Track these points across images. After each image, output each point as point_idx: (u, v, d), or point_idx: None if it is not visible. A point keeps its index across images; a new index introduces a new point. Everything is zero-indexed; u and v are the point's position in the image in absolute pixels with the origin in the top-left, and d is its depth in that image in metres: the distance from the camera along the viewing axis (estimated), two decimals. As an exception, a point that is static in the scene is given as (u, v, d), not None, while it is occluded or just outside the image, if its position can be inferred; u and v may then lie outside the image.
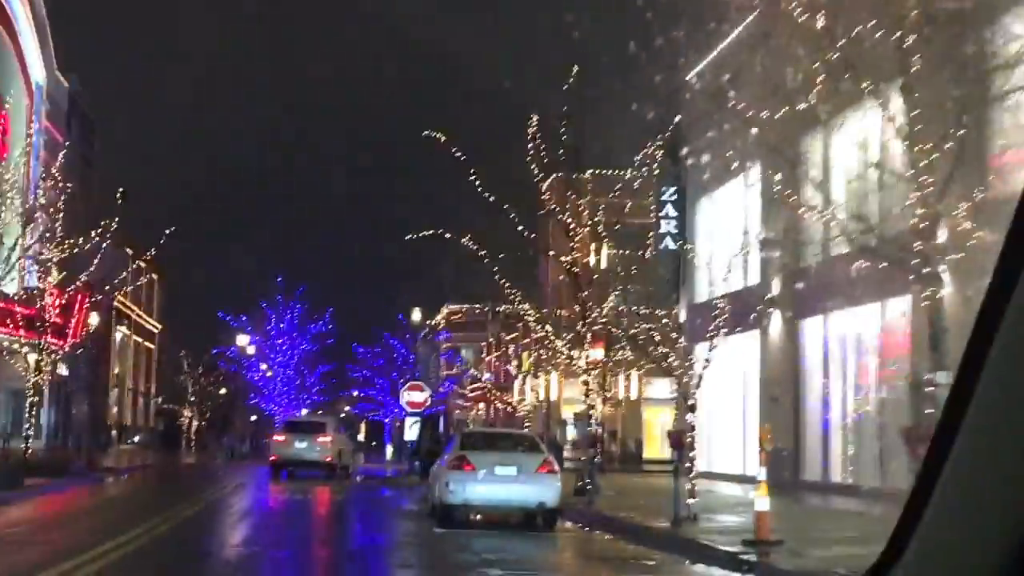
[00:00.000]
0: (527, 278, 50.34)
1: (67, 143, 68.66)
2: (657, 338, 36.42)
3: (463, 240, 32.82)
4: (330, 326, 56.55)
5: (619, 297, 35.17)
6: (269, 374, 57.17)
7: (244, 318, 54.68)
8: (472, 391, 65.53)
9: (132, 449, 69.47)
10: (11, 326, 38.91)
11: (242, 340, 53.32)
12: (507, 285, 34.44)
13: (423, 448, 28.44)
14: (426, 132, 31.54)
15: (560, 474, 22.65)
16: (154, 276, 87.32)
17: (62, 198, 39.91)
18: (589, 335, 33.81)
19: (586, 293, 33.80)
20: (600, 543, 20.48)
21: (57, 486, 30.39)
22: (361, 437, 69.52)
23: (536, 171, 31.76)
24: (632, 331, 36.65)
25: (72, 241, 38.20)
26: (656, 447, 53.51)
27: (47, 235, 49.60)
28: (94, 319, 41.46)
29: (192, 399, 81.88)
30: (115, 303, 72.73)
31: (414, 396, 38.52)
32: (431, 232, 33.48)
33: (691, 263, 36.88)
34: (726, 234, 36.31)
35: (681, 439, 23.23)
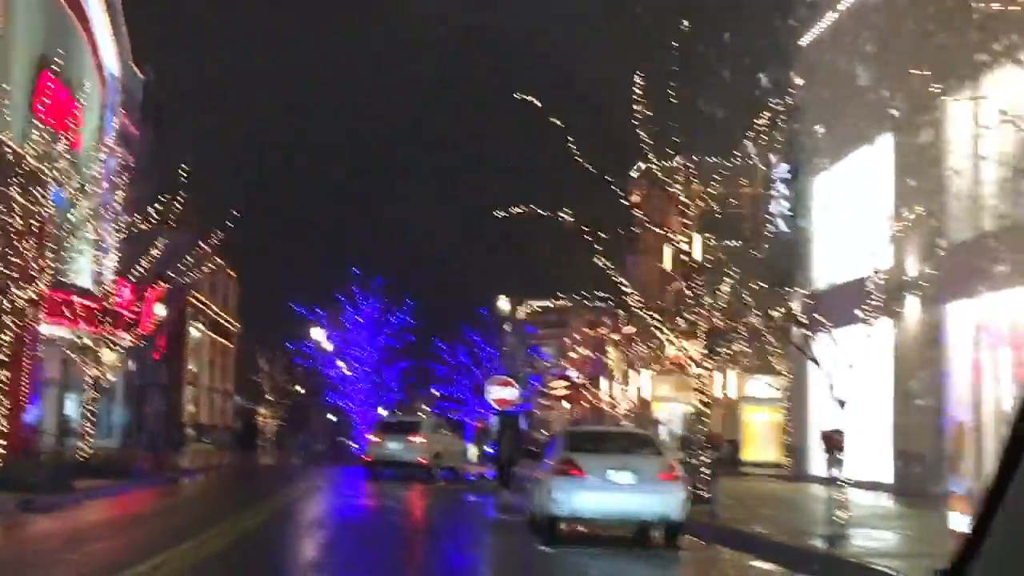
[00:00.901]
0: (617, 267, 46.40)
1: (141, 135, 66.52)
2: (769, 329, 32.39)
3: (560, 215, 28.97)
4: (410, 319, 52.92)
5: (733, 286, 31.34)
6: (347, 372, 53.59)
7: (320, 311, 51.26)
8: (557, 390, 61.76)
9: (208, 449, 66.58)
10: (77, 320, 35.76)
11: (318, 334, 49.78)
12: (610, 269, 30.55)
13: (504, 452, 24.49)
14: (519, 95, 27.77)
15: (684, 481, 18.75)
16: (230, 273, 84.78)
17: (132, 189, 37.39)
18: (702, 325, 29.83)
19: (700, 281, 29.87)
20: (739, 566, 16.51)
21: (111, 490, 27.11)
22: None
23: (644, 138, 27.89)
24: (744, 322, 32.79)
25: (143, 230, 34.81)
26: (755, 449, 49.39)
27: (120, 228, 47.44)
28: (160, 310, 38.03)
29: (269, 397, 79.03)
30: (189, 298, 70.02)
31: (502, 392, 34.83)
32: (522, 211, 29.65)
33: (810, 246, 32.78)
34: (849, 212, 32.17)
35: (836, 440, 19.25)
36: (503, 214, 29.58)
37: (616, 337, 56.87)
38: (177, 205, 34.73)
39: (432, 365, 62.97)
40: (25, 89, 35.89)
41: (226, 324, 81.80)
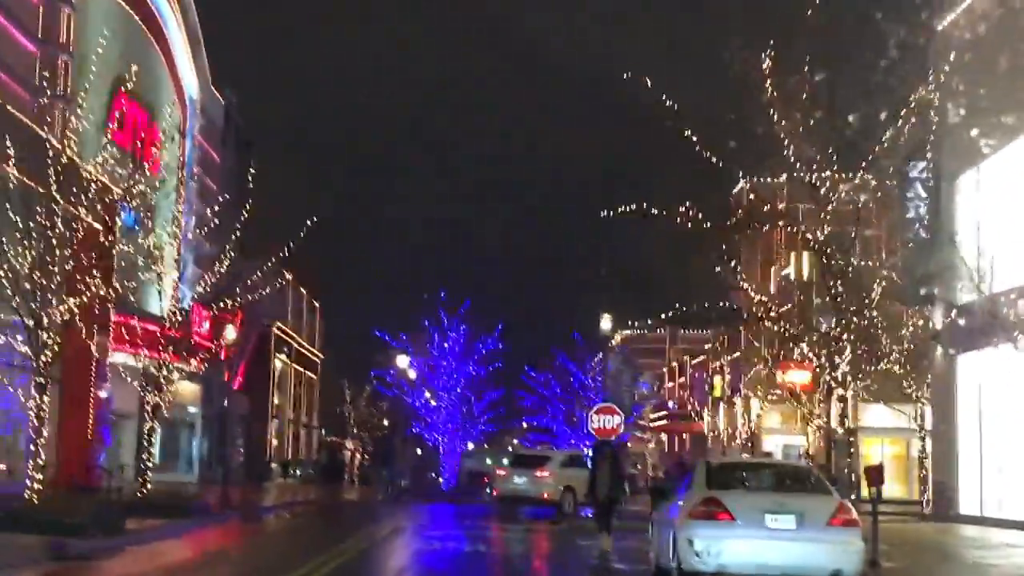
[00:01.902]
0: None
1: (222, 160, 63.70)
2: (904, 349, 28.05)
3: (672, 216, 24.91)
4: (499, 344, 48.82)
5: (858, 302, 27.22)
6: (433, 402, 49.65)
7: (404, 337, 47.37)
8: (654, 420, 57.34)
9: (292, 484, 63.13)
10: (141, 346, 32.36)
11: (402, 361, 45.93)
12: (739, 271, 26.56)
13: (601, 488, 19.81)
14: (627, 73, 23.89)
15: (859, 527, 14.42)
16: (314, 303, 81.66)
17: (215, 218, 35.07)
18: (846, 337, 25.59)
19: (841, 291, 25.70)
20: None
21: (170, 530, 23.41)
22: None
23: (776, 119, 23.89)
24: (868, 342, 28.50)
25: (227, 263, 31.56)
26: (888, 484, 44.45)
27: (199, 254, 44.71)
28: (231, 333, 34.52)
29: (354, 430, 75.60)
30: (272, 328, 66.81)
31: (605, 421, 30.71)
32: (632, 209, 25.64)
33: (952, 254, 28.30)
34: (1002, 216, 27.67)
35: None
36: (609, 214, 25.62)
37: (716, 365, 52.49)
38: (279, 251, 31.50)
39: (521, 394, 58.84)
40: (100, 111, 33.09)
41: (310, 355, 78.63)
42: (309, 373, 79.07)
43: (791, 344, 40.62)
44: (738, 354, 45.29)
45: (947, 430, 29.98)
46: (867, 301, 26.26)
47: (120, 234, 29.37)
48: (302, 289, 75.33)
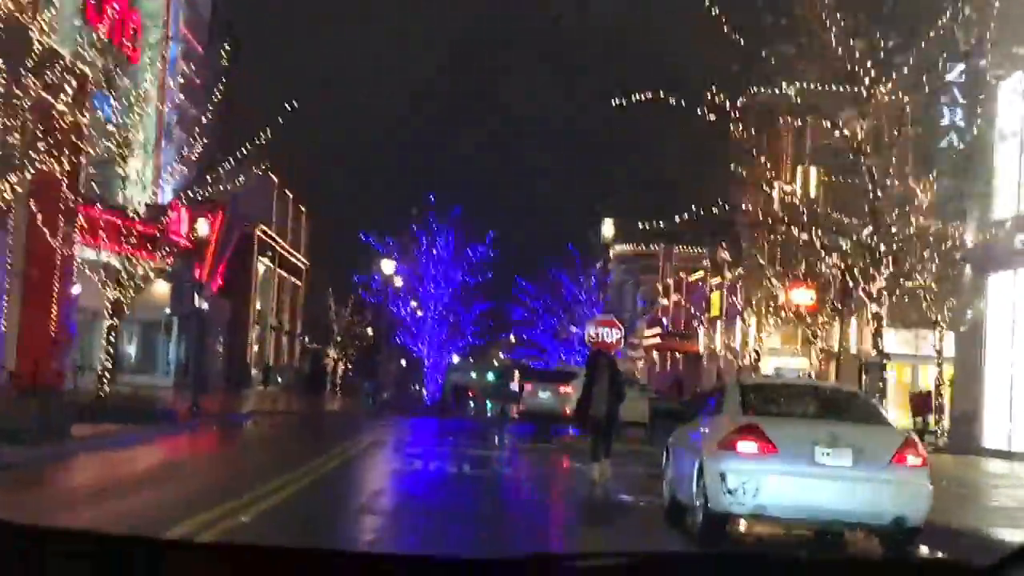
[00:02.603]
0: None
1: (207, 54, 60.26)
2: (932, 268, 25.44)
3: (692, 103, 22.06)
4: (490, 253, 45.78)
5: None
6: (419, 313, 46.87)
7: (391, 242, 44.30)
8: (648, 338, 54.78)
9: (272, 391, 60.67)
10: (113, 242, 29.67)
11: (387, 267, 42.92)
12: (767, 166, 23.89)
13: (598, 405, 16.47)
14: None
15: (928, 467, 11.79)
16: (301, 208, 78.55)
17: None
18: (884, 249, 22.92)
19: (880, 196, 22.97)
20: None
21: (125, 437, 20.92)
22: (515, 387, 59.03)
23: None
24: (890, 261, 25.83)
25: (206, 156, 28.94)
26: (896, 414, 42.06)
27: (183, 150, 42.12)
28: (203, 227, 31.72)
29: (338, 339, 72.98)
30: (257, 232, 63.87)
31: (605, 334, 28.07)
32: (649, 97, 22.72)
33: (988, 166, 25.52)
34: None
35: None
36: (622, 101, 22.65)
37: (717, 281, 49.81)
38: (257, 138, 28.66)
39: (511, 307, 56.05)
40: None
41: (295, 260, 75.77)
42: (294, 279, 76.25)
43: (800, 259, 38.13)
44: (741, 270, 42.60)
45: (973, 356, 27.43)
46: (907, 209, 23.54)
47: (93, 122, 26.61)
48: (288, 192, 72.21)
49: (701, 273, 53.80)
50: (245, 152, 29.16)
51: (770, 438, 11.31)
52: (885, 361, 23.63)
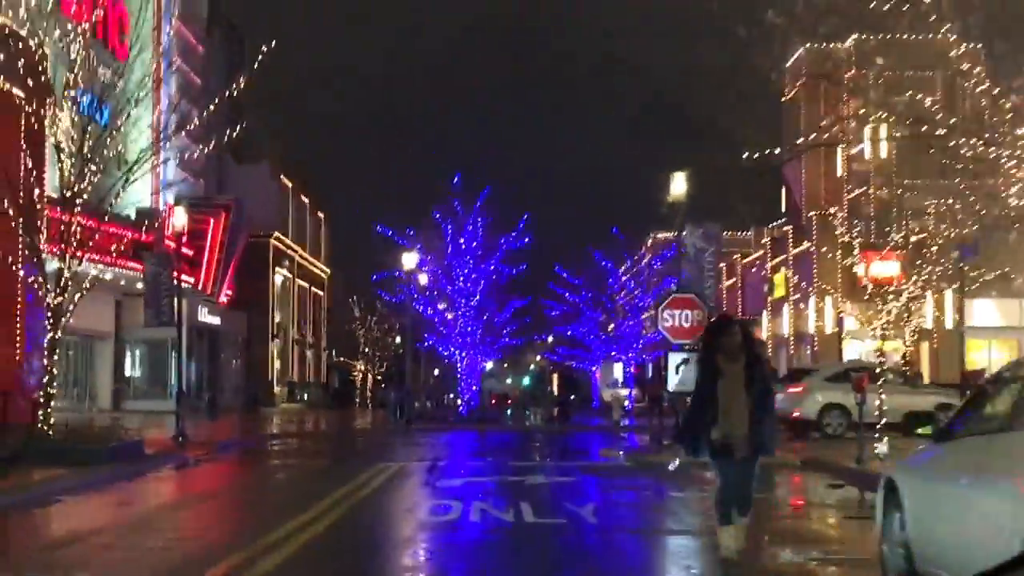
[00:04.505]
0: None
1: (206, 51, 54.18)
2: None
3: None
4: (524, 241, 38.91)
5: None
6: (449, 315, 40.34)
7: (412, 232, 37.58)
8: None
9: (295, 410, 54.34)
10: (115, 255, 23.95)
11: (409, 260, 36.28)
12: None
13: (732, 425, 8.20)
14: None
15: None
16: (320, 214, 72.25)
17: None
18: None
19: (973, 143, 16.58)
20: None
21: (43, 490, 14.38)
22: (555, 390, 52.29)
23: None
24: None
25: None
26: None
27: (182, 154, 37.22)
28: (180, 217, 25.32)
29: (365, 350, 66.61)
30: (272, 241, 57.55)
31: (681, 317, 21.42)
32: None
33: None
34: None
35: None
36: None
37: (778, 260, 43.12)
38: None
39: (549, 303, 49.18)
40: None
41: (315, 270, 69.48)
42: (315, 289, 70.00)
43: (881, 227, 32.28)
44: (810, 245, 35.98)
45: None
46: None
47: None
48: (304, 198, 65.97)
49: (761, 252, 47.08)
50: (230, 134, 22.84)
51: None
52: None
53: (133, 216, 39.25)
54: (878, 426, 21.21)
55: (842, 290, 35.58)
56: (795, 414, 26.08)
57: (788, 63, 47.72)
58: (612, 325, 46.77)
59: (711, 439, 8.58)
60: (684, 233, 24.09)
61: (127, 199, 33.61)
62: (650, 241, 56.52)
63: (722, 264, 47.24)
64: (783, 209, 46.87)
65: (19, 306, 24.55)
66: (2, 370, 23.47)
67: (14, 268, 20.38)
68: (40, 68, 20.65)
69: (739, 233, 54.55)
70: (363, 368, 68.47)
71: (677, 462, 12.77)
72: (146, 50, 28.99)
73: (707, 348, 9.04)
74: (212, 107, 22.60)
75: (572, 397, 48.86)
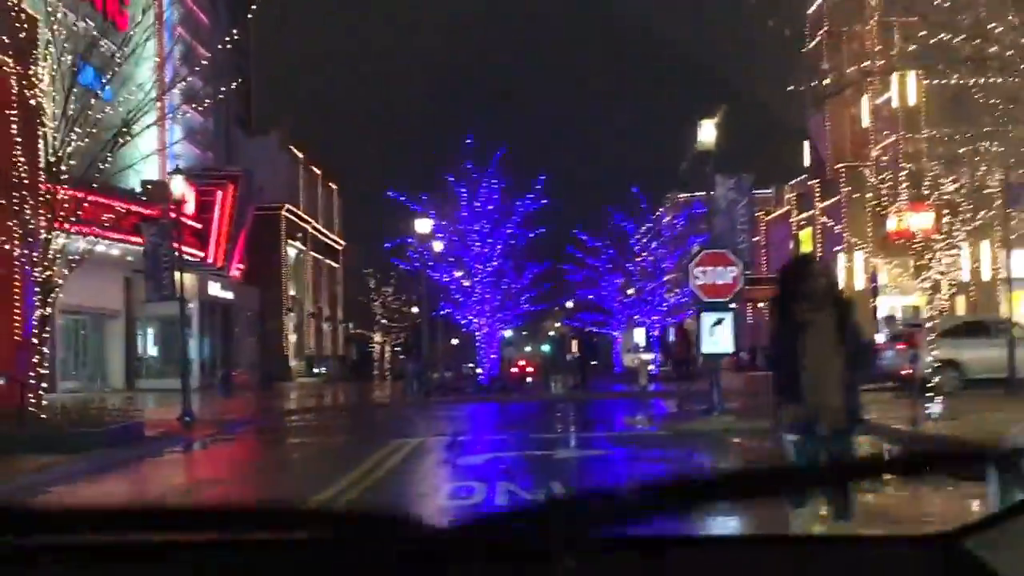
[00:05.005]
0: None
1: (212, 24, 52.62)
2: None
3: None
4: (542, 202, 37.22)
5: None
6: (466, 283, 38.81)
7: (424, 198, 36.03)
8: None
9: (313, 384, 53.04)
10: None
11: (422, 226, 34.73)
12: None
13: (823, 393, 6.26)
14: None
15: None
16: (332, 186, 70.75)
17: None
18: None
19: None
20: None
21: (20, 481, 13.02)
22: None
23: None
24: None
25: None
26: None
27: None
28: (178, 185, 23.85)
29: (382, 321, 65.06)
30: (283, 213, 56.09)
31: (716, 275, 19.85)
32: None
33: None
34: None
35: None
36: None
37: (803, 216, 41.40)
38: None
39: (569, 268, 47.53)
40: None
41: (329, 241, 68.04)
42: (330, 261, 68.60)
43: (910, 178, 30.62)
44: (840, 198, 34.24)
45: None
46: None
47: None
48: (315, 169, 64.45)
49: (785, 209, 45.42)
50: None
51: None
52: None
53: (139, 190, 37.89)
54: None
55: (874, 244, 33.98)
56: (904, 371, 23.92)
57: (810, 10, 45.35)
58: (633, 288, 45.17)
59: (792, 410, 6.69)
60: (715, 184, 22.45)
61: (134, 176, 32.37)
62: (668, 204, 54.80)
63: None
64: (806, 164, 45.14)
65: (17, 285, 23.18)
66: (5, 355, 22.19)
67: (7, 247, 19.02)
68: (31, 38, 19.39)
69: (761, 190, 52.84)
70: (381, 339, 67.07)
71: None
72: (148, 20, 27.70)
73: (784, 296, 6.93)
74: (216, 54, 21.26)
75: (594, 363, 47.34)
